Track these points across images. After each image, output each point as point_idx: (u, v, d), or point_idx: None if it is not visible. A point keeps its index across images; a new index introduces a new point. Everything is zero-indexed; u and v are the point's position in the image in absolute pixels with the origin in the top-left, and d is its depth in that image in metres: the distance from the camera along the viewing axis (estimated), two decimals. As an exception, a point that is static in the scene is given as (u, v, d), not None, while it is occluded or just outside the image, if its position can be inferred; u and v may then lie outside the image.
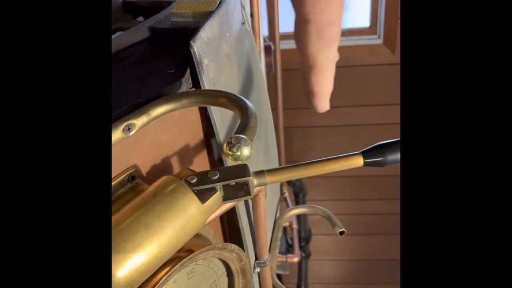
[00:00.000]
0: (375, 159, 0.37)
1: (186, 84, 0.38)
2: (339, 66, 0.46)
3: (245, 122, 0.30)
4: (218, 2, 0.47)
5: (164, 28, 0.46)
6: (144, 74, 0.39)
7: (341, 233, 0.61)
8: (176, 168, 0.41)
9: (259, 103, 0.64)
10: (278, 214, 0.75)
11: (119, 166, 0.36)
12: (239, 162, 0.29)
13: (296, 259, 1.08)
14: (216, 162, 0.48)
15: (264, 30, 1.43)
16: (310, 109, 0.51)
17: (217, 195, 0.35)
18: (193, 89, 0.40)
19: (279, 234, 0.66)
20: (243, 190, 0.36)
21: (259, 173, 0.37)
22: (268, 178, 0.37)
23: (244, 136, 0.29)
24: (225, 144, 0.29)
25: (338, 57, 0.47)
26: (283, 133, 1.36)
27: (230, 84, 0.46)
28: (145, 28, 0.46)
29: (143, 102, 0.35)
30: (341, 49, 0.45)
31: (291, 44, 1.79)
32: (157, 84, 0.37)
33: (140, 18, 0.62)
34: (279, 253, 1.11)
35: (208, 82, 0.38)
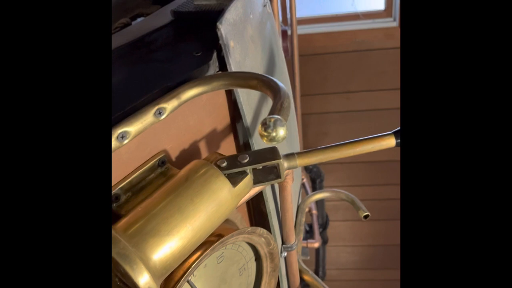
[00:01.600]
0: (408, 139, 0.36)
1: (213, 66, 0.38)
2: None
3: (278, 103, 0.30)
4: (240, -16, 0.47)
5: (187, 12, 0.45)
6: (171, 58, 0.39)
7: (366, 216, 0.60)
8: (204, 152, 0.41)
9: (281, 87, 0.63)
10: (300, 200, 0.75)
11: (149, 152, 0.35)
12: (274, 143, 0.28)
13: (316, 244, 1.08)
14: (242, 146, 0.47)
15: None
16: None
17: (248, 178, 0.34)
18: (220, 72, 0.40)
19: (303, 219, 0.66)
20: (273, 173, 0.36)
21: (289, 156, 0.36)
22: (298, 161, 0.37)
23: (279, 117, 0.28)
24: (260, 125, 0.28)
25: None
26: (301, 119, 1.35)
27: (255, 67, 0.45)
28: (168, 12, 0.45)
29: (172, 85, 0.34)
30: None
31: (306, 29, 1.77)
32: (185, 67, 0.37)
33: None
34: (298, 239, 1.11)
35: (234, 64, 0.38)
